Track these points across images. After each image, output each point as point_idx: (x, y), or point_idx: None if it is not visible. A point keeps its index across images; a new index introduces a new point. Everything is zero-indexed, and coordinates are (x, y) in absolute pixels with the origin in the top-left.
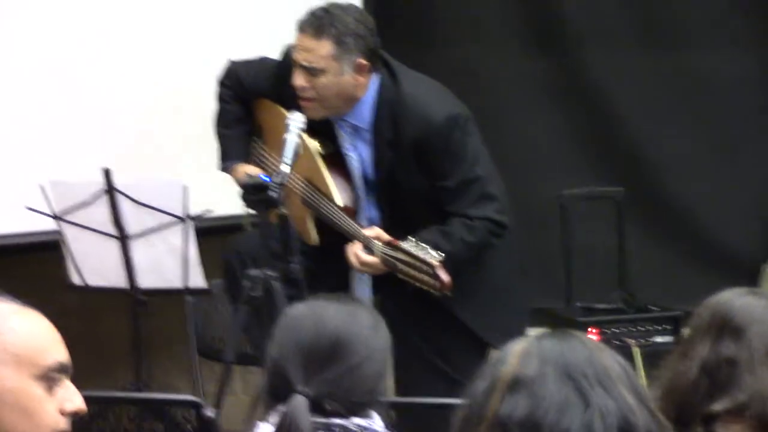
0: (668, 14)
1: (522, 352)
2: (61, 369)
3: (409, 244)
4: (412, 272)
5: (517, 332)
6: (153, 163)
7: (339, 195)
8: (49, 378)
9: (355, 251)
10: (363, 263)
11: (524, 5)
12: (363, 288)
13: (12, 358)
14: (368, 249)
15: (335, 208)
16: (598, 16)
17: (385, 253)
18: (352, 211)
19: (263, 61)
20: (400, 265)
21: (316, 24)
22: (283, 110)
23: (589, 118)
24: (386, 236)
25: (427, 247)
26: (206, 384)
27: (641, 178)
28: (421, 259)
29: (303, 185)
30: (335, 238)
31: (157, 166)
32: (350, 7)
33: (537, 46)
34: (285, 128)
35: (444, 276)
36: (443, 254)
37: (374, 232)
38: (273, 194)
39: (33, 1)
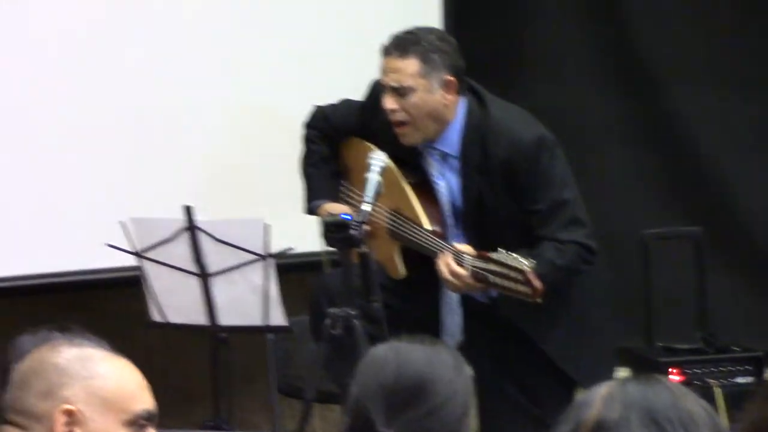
0: (750, 52)
1: (605, 395)
2: (149, 417)
3: (499, 255)
4: (504, 282)
5: (605, 370)
6: (234, 200)
7: (427, 221)
8: (136, 425)
9: (447, 260)
10: (453, 273)
11: (606, 43)
12: (453, 316)
13: (101, 402)
14: (460, 264)
15: (424, 231)
16: (680, 54)
17: (475, 266)
18: (441, 237)
19: (349, 102)
20: (492, 277)
21: (401, 44)
22: (370, 146)
23: (671, 156)
24: (475, 251)
25: (518, 256)
26: (286, 422)
27: (722, 216)
28: (512, 267)
29: (390, 216)
30: (423, 271)
31: (238, 203)
32: (433, 28)
33: (618, 84)
34: (367, 167)
35: (536, 282)
36: (534, 261)
37: (464, 247)
38: (354, 232)
39: (111, 44)
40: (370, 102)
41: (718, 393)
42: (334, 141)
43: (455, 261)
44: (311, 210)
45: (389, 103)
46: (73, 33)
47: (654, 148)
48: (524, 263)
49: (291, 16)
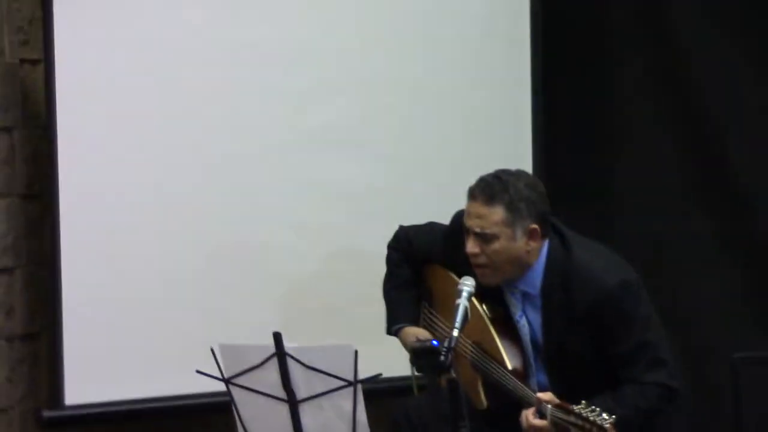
0: None
1: None
2: None
3: (581, 408)
4: None
5: None
6: (322, 326)
7: (509, 359)
8: None
9: (527, 414)
10: (532, 426)
11: (698, 166)
12: None
13: None
14: (540, 412)
15: (505, 371)
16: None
17: (556, 416)
18: (522, 375)
19: (432, 226)
20: (573, 429)
21: (488, 191)
22: (453, 275)
23: (760, 277)
24: (557, 400)
25: (598, 409)
26: None
27: None
28: (592, 422)
29: (472, 349)
30: (505, 402)
31: (325, 328)
32: (521, 174)
33: (710, 206)
34: (456, 293)
35: None
36: (614, 417)
37: (546, 395)
38: (443, 358)
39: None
40: (453, 232)
41: None
42: (416, 263)
43: (537, 412)
44: (392, 332)
45: (471, 246)
46: (165, 151)
47: (744, 268)
48: (605, 419)
49: (378, 140)
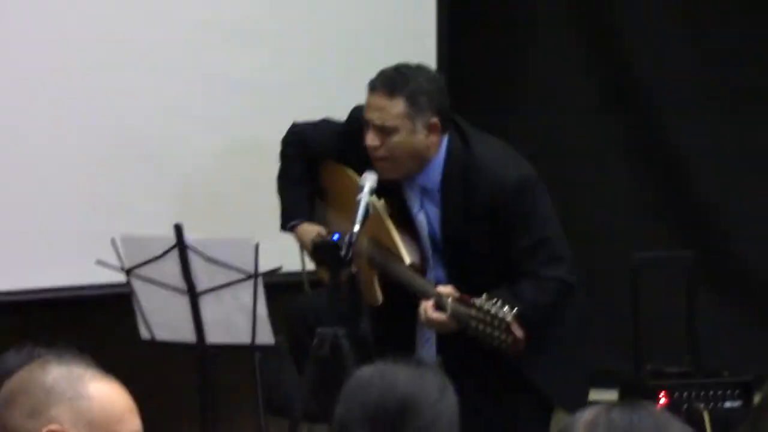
0: (744, 78)
1: (589, 422)
2: None
3: (482, 301)
4: (485, 329)
5: (582, 391)
6: (223, 219)
7: (407, 253)
8: None
9: (426, 307)
10: (431, 320)
11: (601, 68)
12: (429, 349)
13: (87, 424)
14: (439, 306)
15: (403, 266)
16: (674, 80)
17: (456, 309)
18: (419, 269)
19: (327, 123)
20: (473, 323)
21: (389, 84)
22: (350, 171)
23: (663, 181)
24: (457, 293)
25: (500, 302)
26: None
27: (713, 241)
28: (494, 315)
29: (369, 245)
30: (399, 299)
31: (227, 222)
32: (422, 68)
33: (611, 109)
34: (358, 189)
35: (518, 332)
36: (516, 309)
37: (447, 289)
38: (343, 253)
39: (103, 60)
40: (351, 128)
41: (706, 417)
42: (311, 161)
43: (436, 306)
44: (288, 228)
45: (371, 139)
46: (65, 51)
47: (647, 173)
48: (507, 312)
49: (278, 34)
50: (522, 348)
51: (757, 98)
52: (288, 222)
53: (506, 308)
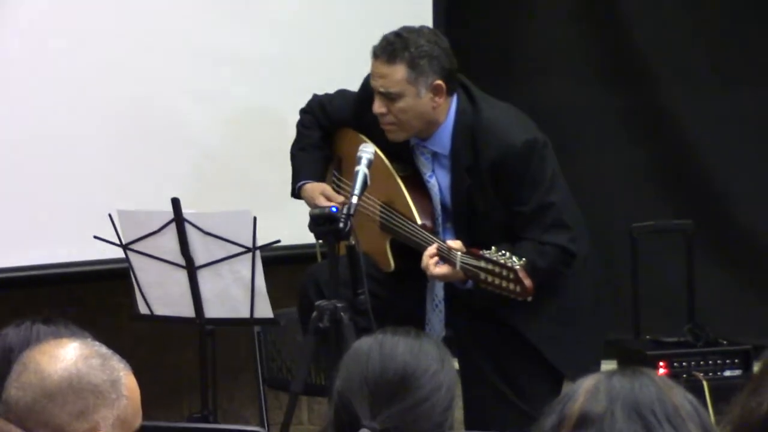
0: (741, 48)
1: (590, 388)
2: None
3: (490, 252)
4: (494, 279)
5: (591, 361)
6: (222, 193)
7: (419, 214)
8: None
9: (430, 253)
10: (435, 275)
11: (600, 39)
12: (437, 315)
13: (121, 424)
14: (447, 260)
15: (415, 226)
16: (671, 50)
17: (465, 263)
18: (431, 231)
19: (343, 92)
20: (482, 274)
21: (389, 49)
22: (363, 138)
23: (661, 150)
24: (465, 248)
25: (508, 253)
26: (273, 413)
27: (712, 210)
28: (502, 264)
29: (381, 209)
30: (411, 266)
31: (226, 196)
32: (423, 29)
33: (609, 80)
34: (356, 161)
35: (526, 281)
36: (525, 260)
37: (456, 243)
38: (341, 225)
39: (102, 36)
40: (363, 95)
41: (706, 386)
42: (328, 130)
43: (442, 255)
44: (296, 191)
45: (377, 106)
46: (63, 25)
47: (645, 142)
48: (515, 261)
49: (281, 9)
50: (530, 296)
51: (756, 68)
52: (296, 184)
53: (515, 258)
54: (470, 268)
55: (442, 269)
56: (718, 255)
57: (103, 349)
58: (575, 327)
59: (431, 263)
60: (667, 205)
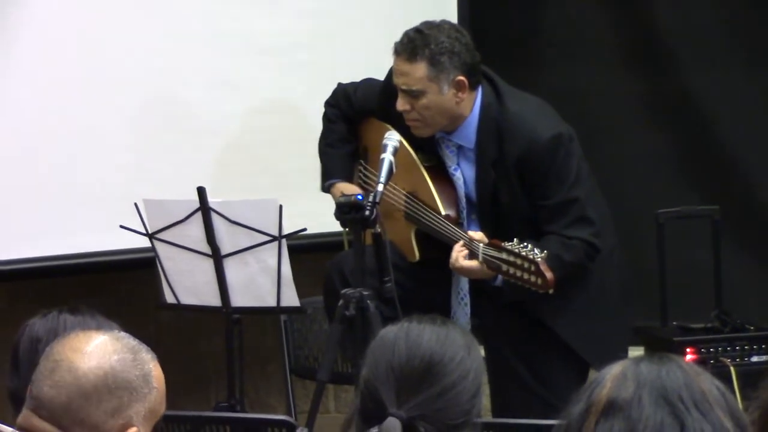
0: (767, 31)
1: (618, 375)
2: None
3: (512, 245)
4: (516, 272)
5: (618, 352)
6: (248, 182)
7: (443, 205)
8: (156, 428)
9: (458, 256)
10: (462, 268)
11: (625, 26)
12: (462, 308)
13: (151, 416)
14: (471, 253)
15: (439, 217)
16: (697, 34)
17: (487, 254)
18: (455, 221)
19: (369, 82)
20: (504, 266)
21: (409, 47)
22: (389, 127)
23: (687, 136)
24: (487, 239)
25: (530, 245)
26: (300, 402)
27: (738, 196)
28: (524, 257)
29: (406, 199)
30: (438, 254)
31: (252, 184)
32: (444, 25)
33: (635, 65)
34: (381, 149)
35: (548, 273)
36: (546, 252)
37: (478, 235)
38: (367, 213)
39: (124, 29)
40: (388, 86)
41: (734, 372)
42: (353, 121)
43: (468, 249)
44: (326, 189)
45: (401, 104)
46: (87, 15)
47: (671, 127)
48: (537, 254)
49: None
50: (552, 289)
51: None
52: (326, 181)
53: (536, 250)
54: (492, 259)
55: (471, 263)
56: (745, 240)
57: (132, 341)
58: (603, 319)
59: (461, 256)
60: (694, 190)
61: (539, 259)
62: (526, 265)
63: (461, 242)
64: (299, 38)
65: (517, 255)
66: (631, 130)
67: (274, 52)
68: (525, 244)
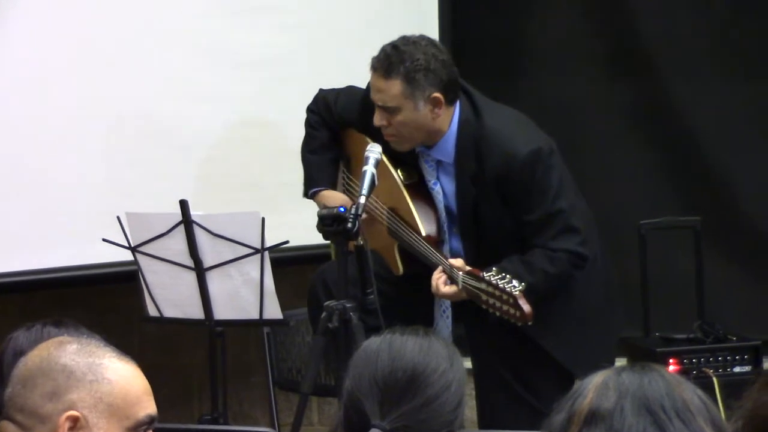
0: (749, 42)
1: (600, 384)
2: (150, 422)
3: (491, 275)
4: (495, 302)
5: (603, 362)
6: (230, 195)
7: (423, 225)
8: (138, 430)
9: (438, 282)
10: (442, 294)
11: (608, 36)
12: (444, 320)
13: (106, 408)
14: (451, 278)
15: (419, 237)
16: (678, 44)
17: (467, 283)
18: (435, 241)
19: (351, 90)
20: (483, 296)
21: (385, 63)
22: (369, 140)
23: (670, 147)
24: (467, 267)
25: (509, 276)
26: (283, 414)
27: (720, 206)
28: (502, 289)
29: (388, 215)
30: (421, 268)
31: (234, 198)
32: (421, 41)
33: (617, 75)
34: (363, 161)
35: (525, 306)
36: (525, 284)
37: (458, 262)
38: (350, 225)
39: (110, 42)
40: (367, 99)
41: (716, 382)
42: (334, 128)
43: (447, 276)
44: (309, 195)
45: (377, 120)
46: (71, 31)
47: (653, 138)
48: (516, 286)
49: (286, 11)
50: (530, 321)
51: (764, 63)
52: (310, 189)
53: (514, 282)
54: (471, 288)
55: (451, 289)
56: (727, 251)
57: (98, 344)
58: (587, 328)
59: (440, 282)
60: (676, 201)
61: (517, 293)
62: (504, 297)
63: (440, 268)
64: (280, 52)
65: (495, 287)
66: (614, 140)
67: (255, 65)
68: (504, 275)
